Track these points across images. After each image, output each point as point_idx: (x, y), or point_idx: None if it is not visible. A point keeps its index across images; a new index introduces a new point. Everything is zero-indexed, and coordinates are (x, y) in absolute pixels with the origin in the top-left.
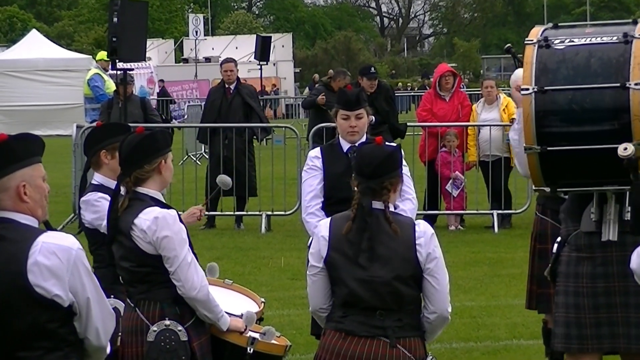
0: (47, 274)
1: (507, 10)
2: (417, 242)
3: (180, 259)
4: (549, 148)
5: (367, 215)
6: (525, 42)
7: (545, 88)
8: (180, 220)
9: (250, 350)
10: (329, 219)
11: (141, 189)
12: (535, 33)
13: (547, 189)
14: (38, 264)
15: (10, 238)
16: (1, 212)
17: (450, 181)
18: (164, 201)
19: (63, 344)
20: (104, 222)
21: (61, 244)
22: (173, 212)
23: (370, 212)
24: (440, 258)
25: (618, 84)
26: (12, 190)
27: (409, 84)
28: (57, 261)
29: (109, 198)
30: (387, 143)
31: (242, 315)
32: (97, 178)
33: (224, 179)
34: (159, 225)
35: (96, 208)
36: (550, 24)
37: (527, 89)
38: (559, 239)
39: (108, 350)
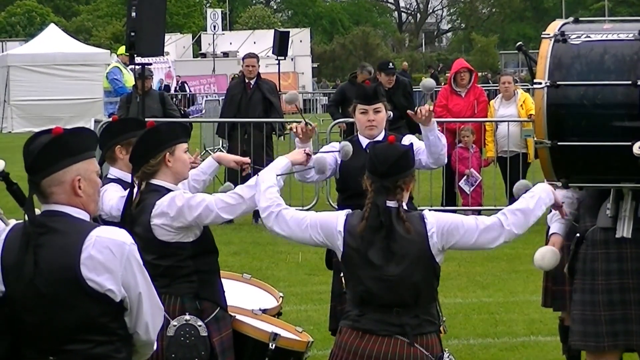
0: (100, 268)
1: (525, 6)
2: (429, 234)
3: (207, 201)
4: (559, 143)
5: (381, 214)
6: (542, 35)
7: (558, 83)
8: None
9: (272, 345)
10: (345, 214)
11: (155, 181)
12: (554, 27)
13: (559, 183)
14: (92, 257)
15: (63, 231)
16: (55, 206)
17: (465, 178)
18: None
19: (114, 337)
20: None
21: (115, 238)
22: (186, 191)
23: (384, 210)
24: (455, 221)
25: (630, 82)
26: (67, 184)
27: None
28: (111, 256)
29: (118, 189)
30: (401, 143)
31: (253, 311)
32: (112, 172)
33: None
34: (176, 199)
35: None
36: (571, 19)
37: (540, 83)
38: (577, 235)
39: (155, 346)
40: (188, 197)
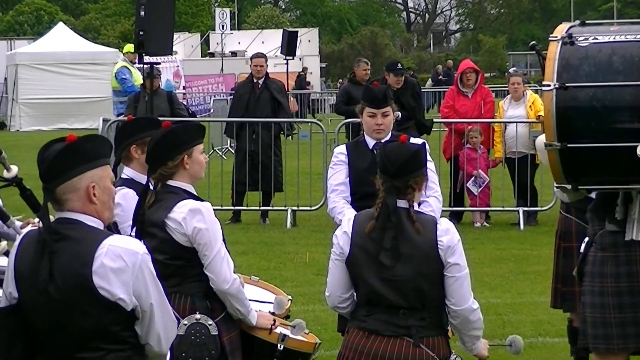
0: (112, 276)
1: (533, 7)
2: (438, 239)
3: (215, 251)
4: (569, 145)
5: (391, 214)
6: (550, 38)
7: (567, 85)
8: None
9: (280, 347)
10: (353, 215)
11: (172, 182)
12: (561, 30)
13: (569, 186)
14: (104, 266)
15: (76, 238)
16: (69, 213)
17: (472, 179)
18: (197, 194)
19: (126, 345)
20: (127, 223)
21: (128, 247)
22: (208, 204)
23: (395, 210)
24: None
25: (638, 82)
26: (82, 191)
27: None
28: (123, 264)
29: (134, 193)
30: (411, 141)
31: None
32: (127, 172)
33: None
34: (195, 218)
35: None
36: (578, 21)
37: (549, 85)
38: (586, 238)
39: (168, 357)
40: (205, 240)
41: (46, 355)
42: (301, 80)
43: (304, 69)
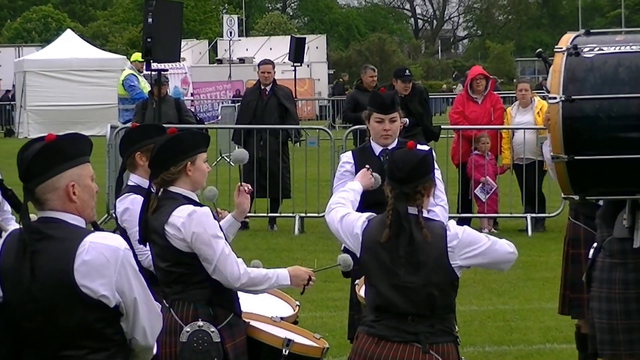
0: (94, 274)
1: (541, 13)
2: (448, 246)
3: (218, 252)
4: (576, 157)
5: (403, 220)
6: (555, 49)
7: (573, 97)
8: (214, 217)
9: (285, 352)
10: (366, 219)
11: (173, 188)
12: (566, 40)
13: (576, 197)
14: (85, 263)
15: (57, 237)
16: (49, 212)
17: (480, 186)
18: (198, 201)
19: (109, 343)
20: (135, 228)
21: (108, 244)
22: (206, 209)
23: (406, 216)
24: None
25: None
26: (62, 190)
27: (444, 86)
28: (105, 261)
29: (142, 199)
30: (419, 147)
31: (272, 317)
32: (133, 179)
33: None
34: (193, 222)
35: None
36: (583, 31)
37: (555, 98)
38: (595, 244)
39: (155, 350)
40: (206, 242)
41: (31, 354)
42: (340, 86)
43: (342, 75)
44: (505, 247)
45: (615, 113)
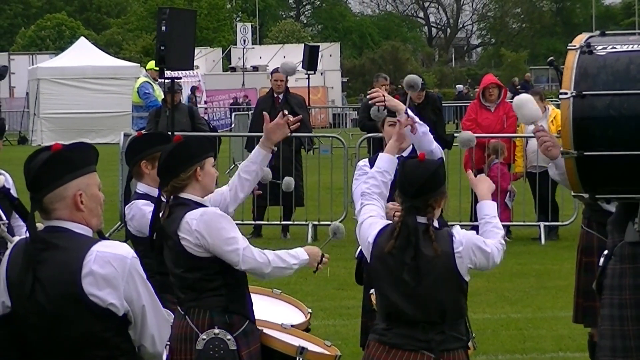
0: (102, 283)
1: (555, 21)
2: (456, 253)
3: (241, 244)
4: (585, 153)
5: (411, 234)
6: (568, 47)
7: (584, 93)
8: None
9: (299, 359)
10: (381, 226)
11: (184, 195)
12: (580, 39)
13: (586, 195)
14: (93, 273)
15: (64, 247)
16: (57, 222)
17: (508, 194)
18: (208, 206)
19: (117, 352)
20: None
21: (116, 252)
22: (216, 207)
23: (414, 230)
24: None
25: None
26: (69, 200)
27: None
28: (112, 270)
29: (152, 205)
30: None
31: (281, 323)
32: (140, 187)
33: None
34: (207, 221)
35: (142, 214)
36: (598, 32)
37: (566, 93)
38: (606, 251)
39: (164, 357)
40: (225, 237)
41: None
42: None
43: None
44: (499, 245)
45: (626, 110)
